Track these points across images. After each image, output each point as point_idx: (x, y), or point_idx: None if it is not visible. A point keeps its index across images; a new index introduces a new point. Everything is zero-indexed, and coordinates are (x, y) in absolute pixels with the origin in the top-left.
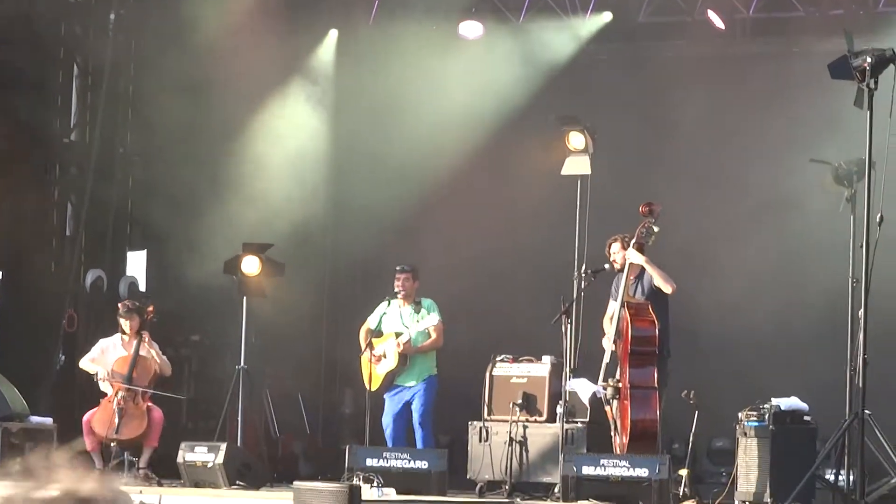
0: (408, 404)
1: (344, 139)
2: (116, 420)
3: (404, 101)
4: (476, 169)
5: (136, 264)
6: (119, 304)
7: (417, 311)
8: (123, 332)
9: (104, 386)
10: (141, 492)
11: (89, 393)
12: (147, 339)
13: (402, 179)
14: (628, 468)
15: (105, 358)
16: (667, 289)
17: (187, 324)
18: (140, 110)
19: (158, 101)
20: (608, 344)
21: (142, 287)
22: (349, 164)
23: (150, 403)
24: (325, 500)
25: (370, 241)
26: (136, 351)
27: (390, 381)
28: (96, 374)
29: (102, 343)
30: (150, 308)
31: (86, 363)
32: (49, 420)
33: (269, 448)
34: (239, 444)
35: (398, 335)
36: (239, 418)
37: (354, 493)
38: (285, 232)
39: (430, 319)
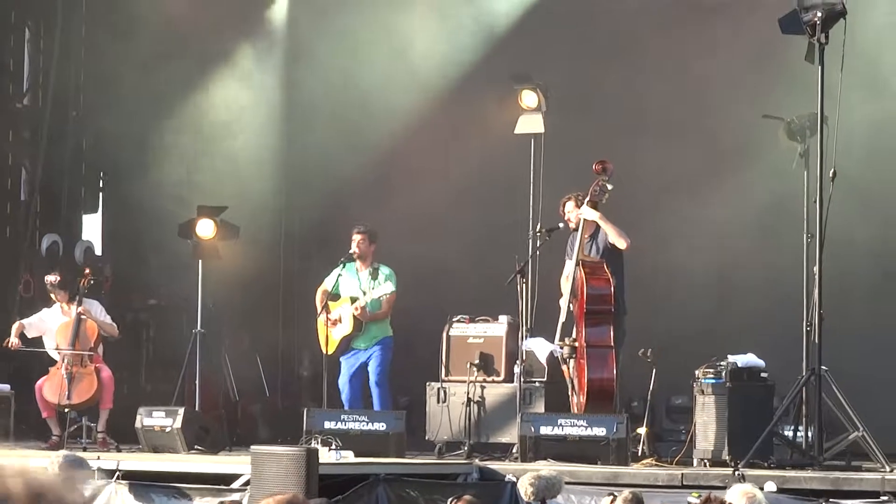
0: (364, 366)
1: (297, 98)
2: (66, 385)
3: (358, 58)
4: (430, 128)
5: (92, 228)
6: (45, 282)
7: (375, 278)
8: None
9: (52, 352)
10: (99, 457)
11: (46, 359)
12: (84, 309)
13: (356, 139)
14: (586, 427)
15: (44, 325)
16: (621, 244)
17: (144, 287)
18: (92, 73)
19: (111, 63)
20: (564, 303)
21: (98, 251)
22: (303, 125)
23: (98, 364)
24: (282, 463)
25: (325, 203)
26: (77, 316)
27: (346, 345)
28: (7, 340)
29: (44, 312)
30: (87, 271)
31: (16, 325)
32: (6, 387)
33: (228, 411)
34: (197, 408)
35: (354, 300)
36: (196, 382)
37: (312, 456)
38: (239, 194)
39: (385, 287)
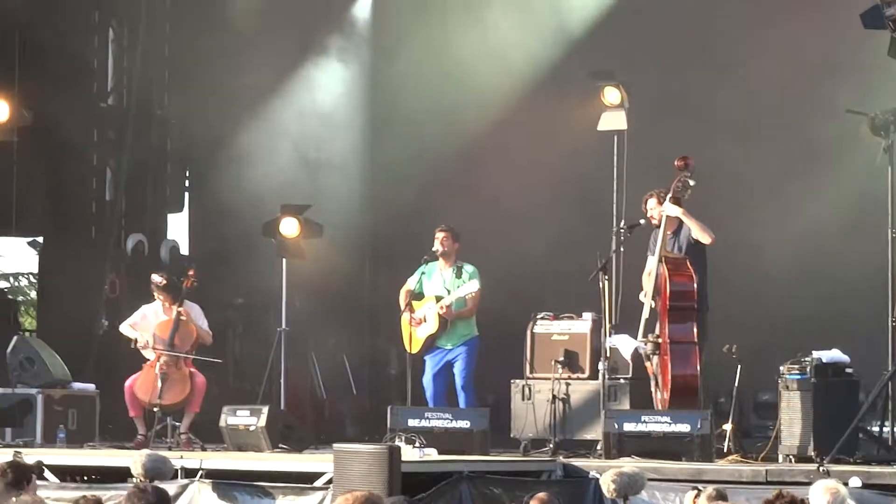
0: (449, 365)
1: (381, 97)
2: (159, 385)
3: (442, 57)
4: (513, 126)
5: (178, 228)
6: (151, 281)
7: (459, 276)
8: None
9: (146, 352)
10: (181, 457)
11: (132, 358)
12: (186, 314)
13: (440, 136)
14: (670, 423)
15: (146, 323)
16: (705, 239)
17: (231, 287)
18: (177, 72)
19: (195, 62)
20: (647, 299)
21: (184, 250)
22: (388, 122)
23: (192, 369)
24: (364, 461)
25: (410, 201)
26: (178, 317)
27: (431, 343)
28: (135, 341)
29: (144, 308)
30: (191, 272)
31: (126, 328)
32: (91, 386)
33: (315, 410)
34: (282, 406)
35: (438, 299)
36: (282, 381)
37: (394, 454)
38: (324, 192)
39: (470, 286)
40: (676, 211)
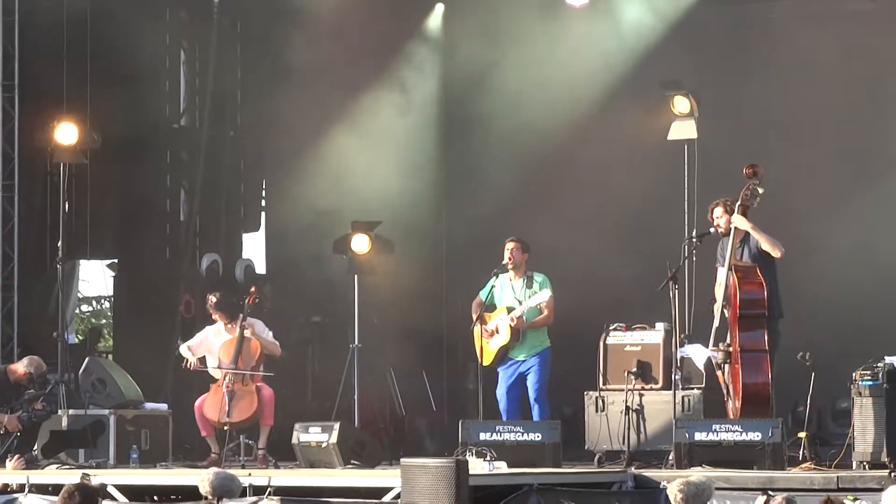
0: (522, 377)
1: (454, 110)
2: (227, 403)
3: (512, 71)
4: (584, 136)
5: (254, 247)
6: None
7: (530, 286)
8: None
9: (213, 372)
10: (250, 474)
11: (207, 379)
12: (250, 330)
13: (512, 147)
14: (741, 432)
15: (207, 344)
16: (775, 253)
17: (307, 305)
18: (248, 93)
19: (266, 83)
20: (718, 308)
21: (260, 269)
22: (460, 134)
23: (259, 383)
24: (432, 475)
25: (484, 213)
26: (241, 334)
27: (503, 355)
28: (186, 361)
29: (207, 330)
30: (253, 290)
31: (184, 349)
32: (164, 406)
33: (394, 426)
34: (355, 422)
35: (510, 310)
36: (355, 397)
37: (461, 467)
38: (397, 207)
39: (542, 295)
40: (745, 225)
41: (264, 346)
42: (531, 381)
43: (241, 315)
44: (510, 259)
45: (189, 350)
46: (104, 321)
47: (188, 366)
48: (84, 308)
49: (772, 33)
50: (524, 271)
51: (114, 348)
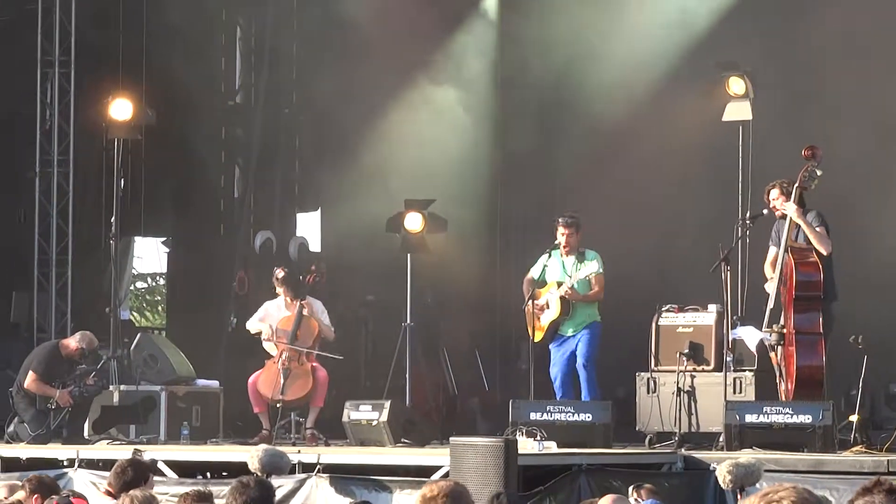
0: (573, 354)
1: (509, 87)
2: (282, 381)
3: (568, 50)
4: (640, 116)
5: (309, 225)
6: (273, 275)
7: (581, 262)
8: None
9: (268, 346)
10: (299, 451)
11: (261, 355)
12: (308, 309)
13: (567, 125)
14: (792, 415)
15: (269, 319)
16: (823, 250)
17: (361, 284)
18: (304, 70)
19: (322, 60)
20: (771, 289)
21: (314, 247)
22: (515, 112)
23: (315, 363)
24: (481, 455)
25: (538, 191)
26: (300, 311)
27: (554, 331)
28: (260, 332)
29: (267, 305)
30: (313, 268)
31: (253, 323)
32: (215, 383)
33: (447, 405)
34: (407, 401)
35: (559, 284)
36: (407, 376)
37: (510, 447)
38: (452, 187)
39: (590, 266)
40: (796, 217)
41: (320, 328)
42: (580, 350)
43: (302, 293)
44: (566, 243)
45: (259, 322)
46: (158, 297)
47: (263, 336)
48: (139, 284)
49: (830, 13)
50: (577, 249)
51: (167, 325)
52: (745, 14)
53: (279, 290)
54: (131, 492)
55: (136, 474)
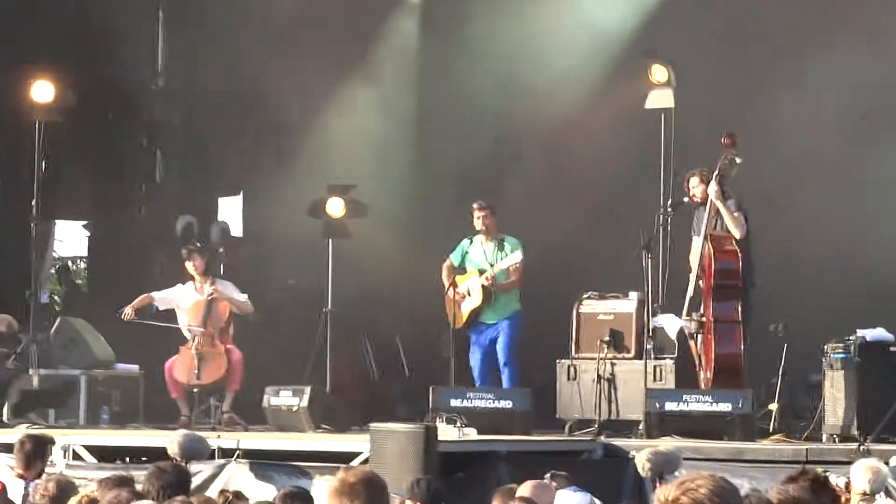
0: (493, 342)
1: (431, 80)
2: (196, 365)
3: (488, 38)
4: (561, 104)
5: (231, 209)
6: (182, 250)
7: (501, 249)
8: (194, 279)
9: (184, 330)
10: (219, 436)
11: (180, 340)
12: (216, 289)
13: (488, 115)
14: (711, 403)
15: (178, 301)
16: (737, 234)
17: (282, 268)
18: (226, 55)
19: (245, 46)
20: (692, 278)
21: (236, 232)
22: (437, 103)
23: (229, 345)
24: (400, 441)
25: (458, 178)
26: (210, 294)
27: (474, 319)
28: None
29: (178, 288)
30: (221, 251)
31: (159, 294)
32: (135, 367)
33: (367, 391)
34: (327, 387)
35: (481, 272)
36: (327, 361)
37: (430, 433)
38: (373, 172)
39: (514, 257)
40: (713, 194)
41: (234, 305)
42: (501, 345)
43: (209, 277)
44: (483, 225)
45: (143, 298)
46: (80, 282)
47: (122, 314)
48: (58, 266)
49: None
50: (495, 234)
51: (87, 309)
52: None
53: (190, 264)
54: (52, 475)
55: (35, 446)
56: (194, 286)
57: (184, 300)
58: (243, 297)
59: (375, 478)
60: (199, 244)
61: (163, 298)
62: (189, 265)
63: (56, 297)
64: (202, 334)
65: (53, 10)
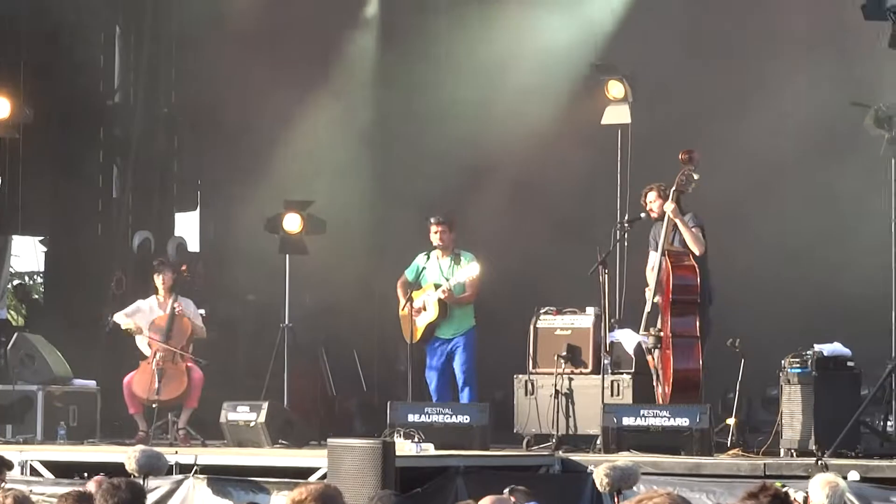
0: (449, 357)
1: (391, 94)
2: (156, 381)
3: (445, 52)
4: (516, 119)
5: (188, 225)
6: (155, 266)
7: (457, 263)
8: (157, 293)
9: (143, 347)
10: (177, 452)
11: (137, 356)
12: (179, 306)
13: (444, 130)
14: (669, 418)
15: (140, 317)
16: (696, 250)
17: (240, 283)
18: (183, 70)
19: (201, 60)
20: (649, 293)
21: (194, 247)
22: (397, 119)
23: (189, 364)
24: (358, 456)
25: (416, 193)
26: (172, 311)
27: (430, 333)
28: (129, 329)
29: (140, 303)
30: (184, 267)
31: (120, 317)
32: (92, 383)
33: (325, 406)
34: (285, 402)
35: (437, 287)
36: (285, 376)
37: (388, 448)
38: (330, 188)
39: (470, 269)
40: (669, 211)
41: (193, 327)
42: (458, 364)
43: (173, 294)
44: (440, 241)
45: (125, 317)
46: (36, 297)
47: (127, 330)
48: (16, 283)
49: (708, 17)
50: (452, 250)
51: (44, 324)
52: (628, 17)
53: (157, 277)
54: (9, 490)
55: None
56: (157, 301)
57: (146, 314)
58: (200, 322)
59: (329, 492)
60: (163, 260)
61: (131, 314)
62: (158, 279)
63: (13, 313)
64: (163, 350)
65: (9, 26)
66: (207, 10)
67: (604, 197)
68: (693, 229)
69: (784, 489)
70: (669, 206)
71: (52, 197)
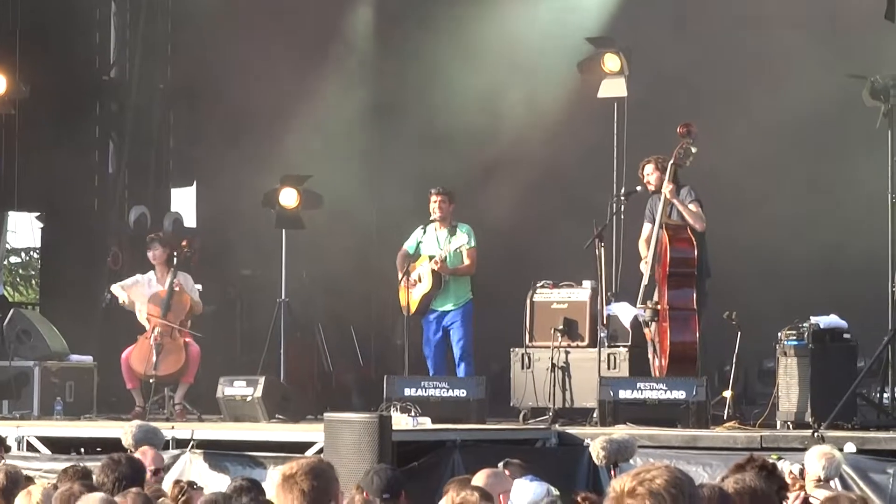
0: (446, 331)
1: (386, 65)
2: (154, 356)
3: (441, 29)
4: (513, 94)
5: (185, 200)
6: (147, 238)
7: (454, 235)
8: (154, 268)
9: (142, 319)
10: (173, 427)
11: (135, 331)
12: (178, 282)
13: (442, 105)
14: (665, 391)
15: (138, 290)
16: (698, 227)
17: (236, 258)
18: (179, 45)
19: (198, 36)
20: (646, 266)
21: (190, 223)
22: (392, 91)
23: (187, 339)
24: (355, 430)
25: (413, 168)
26: (171, 286)
27: (426, 305)
28: (123, 302)
29: (138, 276)
30: (184, 243)
31: (116, 288)
32: (89, 358)
33: (322, 381)
34: (282, 377)
35: (432, 258)
36: (281, 351)
37: (385, 423)
38: (328, 162)
39: (460, 238)
40: (667, 193)
41: (192, 302)
42: (455, 338)
43: (172, 268)
44: (439, 210)
45: (122, 289)
46: (32, 272)
47: (122, 303)
48: (12, 259)
49: None
50: (450, 222)
51: (40, 300)
52: None
53: (150, 253)
54: (1, 466)
55: None
56: (155, 276)
57: (146, 289)
58: (197, 296)
59: (320, 466)
60: (160, 234)
61: (129, 287)
62: (150, 254)
63: (9, 289)
64: (161, 325)
65: (4, 3)
66: None
67: (601, 170)
68: (691, 205)
69: (773, 461)
70: (667, 188)
71: (49, 173)
